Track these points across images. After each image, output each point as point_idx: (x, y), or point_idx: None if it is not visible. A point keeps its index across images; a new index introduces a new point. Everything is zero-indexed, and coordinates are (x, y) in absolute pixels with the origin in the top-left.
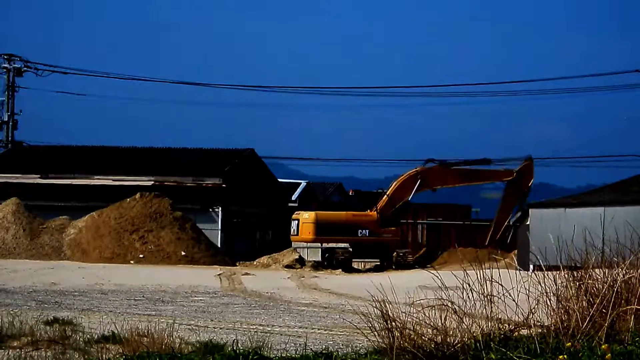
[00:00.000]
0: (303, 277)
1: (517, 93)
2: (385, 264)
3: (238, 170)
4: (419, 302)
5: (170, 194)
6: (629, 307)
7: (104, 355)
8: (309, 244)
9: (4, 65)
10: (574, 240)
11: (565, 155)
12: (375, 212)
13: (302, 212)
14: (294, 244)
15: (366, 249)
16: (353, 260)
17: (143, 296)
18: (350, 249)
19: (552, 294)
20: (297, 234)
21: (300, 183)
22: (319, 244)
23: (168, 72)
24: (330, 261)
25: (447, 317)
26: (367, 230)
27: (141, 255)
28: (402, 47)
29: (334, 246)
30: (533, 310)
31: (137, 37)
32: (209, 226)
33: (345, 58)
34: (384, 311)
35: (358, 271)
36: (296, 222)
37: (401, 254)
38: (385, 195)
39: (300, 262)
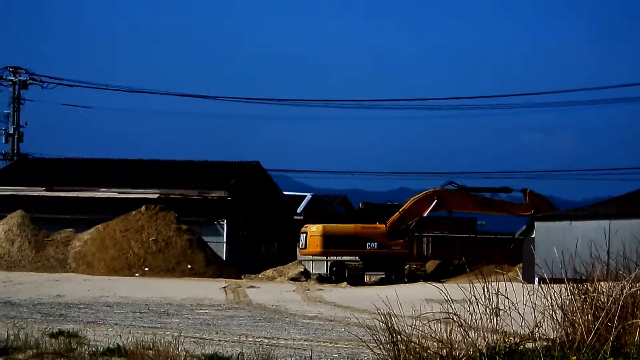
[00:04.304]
0: (308, 289)
1: (519, 105)
2: (394, 277)
3: (243, 183)
4: (424, 315)
5: (176, 206)
6: (634, 320)
7: None
8: (314, 256)
9: (9, 77)
10: (579, 253)
11: (572, 168)
12: (384, 224)
13: (310, 225)
14: (300, 257)
15: (374, 262)
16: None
17: (148, 309)
18: (361, 263)
19: (557, 307)
20: (305, 247)
21: (306, 196)
22: (325, 257)
23: (172, 84)
24: (341, 275)
25: (453, 330)
26: (375, 243)
27: (146, 268)
28: (405, 60)
29: (344, 259)
30: (538, 323)
31: (142, 48)
32: (214, 239)
33: (349, 67)
34: (389, 324)
35: (364, 284)
36: (304, 235)
37: (414, 267)
38: (398, 212)
39: (306, 275)
